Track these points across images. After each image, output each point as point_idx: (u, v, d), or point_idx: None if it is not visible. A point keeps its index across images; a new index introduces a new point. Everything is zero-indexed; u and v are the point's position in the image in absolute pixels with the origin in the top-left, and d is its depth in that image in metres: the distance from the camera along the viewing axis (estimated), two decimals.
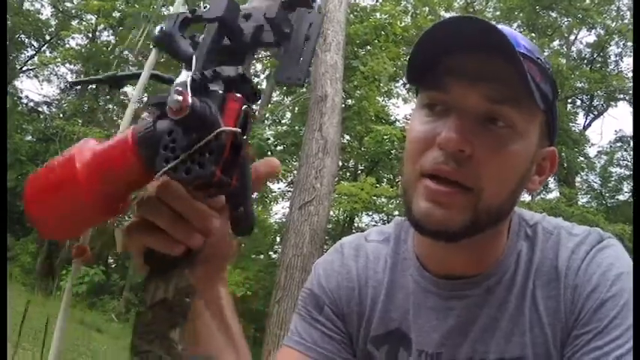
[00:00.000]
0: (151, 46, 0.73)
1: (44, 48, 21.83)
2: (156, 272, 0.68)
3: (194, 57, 0.64)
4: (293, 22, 0.68)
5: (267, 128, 14.24)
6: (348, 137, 15.51)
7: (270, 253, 16.23)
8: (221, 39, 0.66)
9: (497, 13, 18.47)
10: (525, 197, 14.15)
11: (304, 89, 13.43)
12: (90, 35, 20.70)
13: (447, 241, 0.93)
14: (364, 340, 1.09)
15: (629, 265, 0.95)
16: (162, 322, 0.66)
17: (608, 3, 17.71)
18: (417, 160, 0.92)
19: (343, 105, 11.37)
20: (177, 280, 0.67)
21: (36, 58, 21.38)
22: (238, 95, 0.61)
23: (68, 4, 20.64)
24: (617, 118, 37.32)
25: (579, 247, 0.98)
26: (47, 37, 21.46)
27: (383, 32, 13.86)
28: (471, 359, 0.99)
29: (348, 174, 17.67)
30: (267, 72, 17.57)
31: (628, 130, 20.02)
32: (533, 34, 16.19)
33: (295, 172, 10.25)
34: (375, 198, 12.31)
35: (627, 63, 19.00)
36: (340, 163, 14.69)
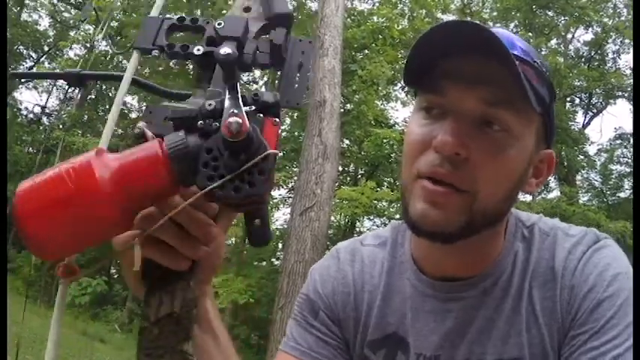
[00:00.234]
0: (132, 50, 0.74)
1: (43, 59, 21.88)
2: (157, 286, 0.68)
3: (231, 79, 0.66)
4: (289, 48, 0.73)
5: None
6: (347, 142, 15.53)
7: (273, 259, 16.20)
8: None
9: (495, 13, 18.50)
10: (526, 197, 14.14)
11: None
12: (88, 45, 20.74)
13: (443, 242, 0.93)
14: (361, 345, 1.09)
15: (626, 265, 0.95)
16: (171, 336, 0.66)
17: (605, 1, 17.72)
18: (413, 162, 0.93)
19: (342, 110, 11.40)
20: (183, 292, 0.68)
21: (35, 69, 21.41)
22: (277, 120, 0.66)
23: (66, 15, 20.70)
24: (617, 116, 37.33)
25: (576, 247, 0.98)
26: (46, 48, 21.51)
27: (380, 36, 13.88)
28: None
29: (348, 179, 17.68)
30: (265, 78, 17.58)
31: (627, 127, 20.03)
32: (530, 34, 16.19)
33: (295, 178, 10.24)
34: (375, 202, 12.30)
35: (625, 60, 19.04)
36: (340, 168, 14.71)
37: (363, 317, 1.09)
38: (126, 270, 0.72)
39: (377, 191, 11.84)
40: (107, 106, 19.45)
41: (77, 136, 16.21)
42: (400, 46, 14.28)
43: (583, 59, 19.39)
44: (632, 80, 17.09)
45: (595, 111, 20.43)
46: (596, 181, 20.64)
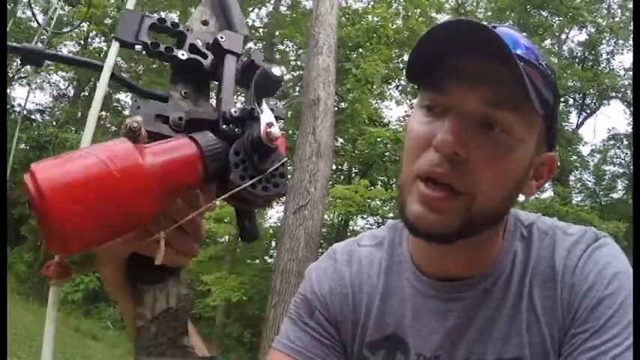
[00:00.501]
0: (112, 37, 0.73)
1: None
2: (148, 284, 0.69)
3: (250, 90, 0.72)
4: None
5: None
6: (341, 140, 15.52)
7: (266, 257, 16.18)
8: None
9: (489, 13, 18.50)
10: (520, 197, 14.16)
11: (297, 93, 13.42)
12: (82, 42, 20.66)
13: (440, 242, 0.93)
14: (360, 346, 1.09)
15: (625, 264, 0.95)
16: (170, 331, 0.67)
17: (599, 1, 17.75)
18: (414, 160, 0.92)
19: (336, 108, 11.39)
20: (177, 288, 0.70)
21: (28, 66, 21.30)
22: (282, 132, 0.71)
23: (60, 12, 20.62)
24: (610, 117, 37.50)
25: (575, 245, 0.98)
26: (39, 45, 21.42)
27: (375, 35, 13.87)
28: None
29: (342, 177, 17.64)
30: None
31: (621, 128, 20.14)
32: (524, 34, 16.08)
33: (289, 176, 10.24)
34: (369, 201, 12.31)
35: (619, 61, 19.18)
36: (334, 167, 14.71)
37: (362, 318, 1.09)
38: (108, 275, 0.73)
39: (370, 190, 11.84)
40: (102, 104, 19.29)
41: (71, 132, 16.14)
42: (395, 45, 14.29)
43: (577, 60, 19.43)
44: (626, 81, 17.15)
45: (589, 111, 20.46)
46: (590, 181, 20.70)
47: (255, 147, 0.68)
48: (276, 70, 0.70)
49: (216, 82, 0.78)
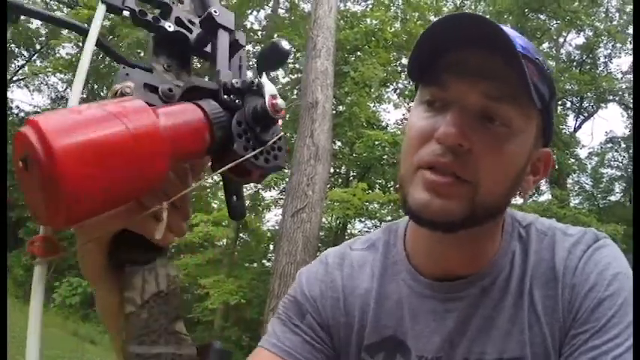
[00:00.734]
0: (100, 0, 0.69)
1: (34, 57, 21.79)
2: (135, 266, 0.64)
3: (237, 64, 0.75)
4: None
5: None
6: (339, 143, 15.52)
7: (264, 261, 16.21)
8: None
9: (487, 16, 18.49)
10: (518, 200, 14.17)
11: (295, 95, 13.40)
12: (80, 44, 20.67)
13: (445, 231, 0.92)
14: (358, 349, 1.08)
15: (625, 265, 0.95)
16: (162, 317, 0.63)
17: (597, 5, 17.80)
18: (414, 154, 0.92)
19: (334, 111, 11.40)
20: (166, 269, 0.66)
21: (26, 67, 21.33)
22: None
23: (58, 13, 20.56)
24: (607, 120, 37.68)
25: (576, 246, 0.98)
26: (37, 47, 21.41)
27: (373, 38, 13.89)
28: None
29: (339, 180, 17.67)
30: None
31: (618, 131, 20.19)
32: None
33: (287, 179, 10.24)
34: (367, 204, 12.31)
35: (616, 64, 19.21)
36: (332, 170, 14.71)
37: (357, 322, 1.08)
38: (91, 257, 0.66)
39: (368, 193, 11.84)
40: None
41: None
42: (393, 49, 14.31)
43: (575, 63, 19.50)
44: (623, 84, 17.19)
45: (586, 114, 20.54)
46: (587, 184, 20.76)
47: (259, 118, 0.68)
48: (285, 44, 0.71)
49: (201, 59, 0.77)
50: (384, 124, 16.75)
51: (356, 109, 13.04)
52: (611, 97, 18.56)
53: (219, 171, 0.67)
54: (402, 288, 1.06)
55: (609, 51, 19.12)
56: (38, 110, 21.87)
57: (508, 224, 1.03)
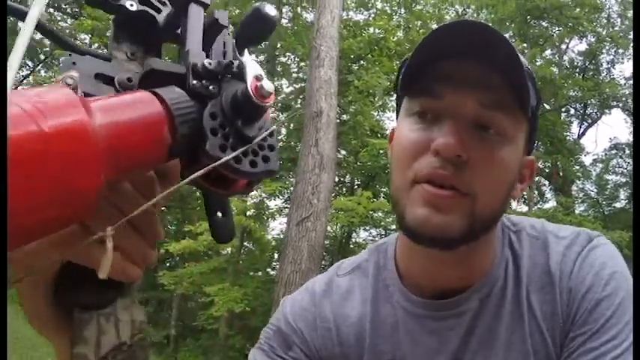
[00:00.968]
0: None
1: (39, 68, 21.88)
2: (89, 310, 0.51)
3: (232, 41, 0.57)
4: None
5: None
6: (344, 152, 15.51)
7: (268, 269, 16.14)
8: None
9: (489, 24, 18.48)
10: (523, 207, 14.16)
11: (299, 105, 13.40)
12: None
13: (443, 248, 0.90)
14: None
15: (621, 263, 0.95)
16: None
17: (599, 11, 17.79)
18: (408, 167, 0.90)
19: (338, 120, 11.40)
20: (130, 312, 0.52)
21: (31, 77, 21.41)
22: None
23: (62, 24, 20.70)
24: (612, 126, 37.46)
25: (569, 249, 0.97)
26: (42, 57, 21.51)
27: (376, 47, 13.91)
28: None
29: (344, 189, 17.64)
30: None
31: (622, 137, 20.11)
32: (524, 44, 16.24)
33: (292, 188, 10.24)
34: (372, 212, 12.29)
35: (619, 70, 19.17)
36: (336, 179, 14.69)
37: (354, 349, 1.04)
38: (27, 298, 0.53)
39: (373, 202, 11.83)
40: None
41: None
42: (396, 57, 14.32)
43: (577, 69, 19.46)
44: (627, 90, 17.15)
45: (590, 121, 20.47)
46: (592, 191, 20.68)
47: (240, 107, 0.52)
48: (270, 8, 0.53)
49: (172, 44, 0.62)
50: (388, 132, 16.69)
51: (360, 117, 13.05)
52: (614, 103, 18.49)
53: (185, 182, 0.51)
54: (396, 310, 1.03)
55: (612, 57, 19.10)
56: None
57: (499, 231, 1.01)
